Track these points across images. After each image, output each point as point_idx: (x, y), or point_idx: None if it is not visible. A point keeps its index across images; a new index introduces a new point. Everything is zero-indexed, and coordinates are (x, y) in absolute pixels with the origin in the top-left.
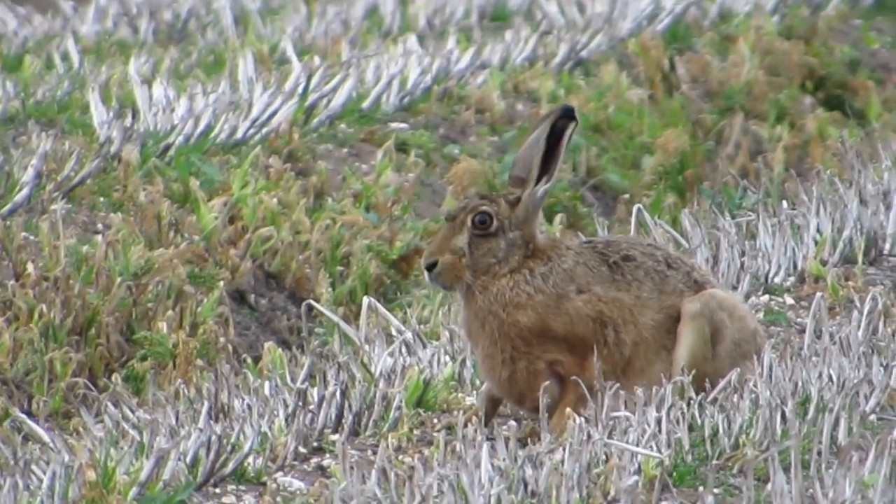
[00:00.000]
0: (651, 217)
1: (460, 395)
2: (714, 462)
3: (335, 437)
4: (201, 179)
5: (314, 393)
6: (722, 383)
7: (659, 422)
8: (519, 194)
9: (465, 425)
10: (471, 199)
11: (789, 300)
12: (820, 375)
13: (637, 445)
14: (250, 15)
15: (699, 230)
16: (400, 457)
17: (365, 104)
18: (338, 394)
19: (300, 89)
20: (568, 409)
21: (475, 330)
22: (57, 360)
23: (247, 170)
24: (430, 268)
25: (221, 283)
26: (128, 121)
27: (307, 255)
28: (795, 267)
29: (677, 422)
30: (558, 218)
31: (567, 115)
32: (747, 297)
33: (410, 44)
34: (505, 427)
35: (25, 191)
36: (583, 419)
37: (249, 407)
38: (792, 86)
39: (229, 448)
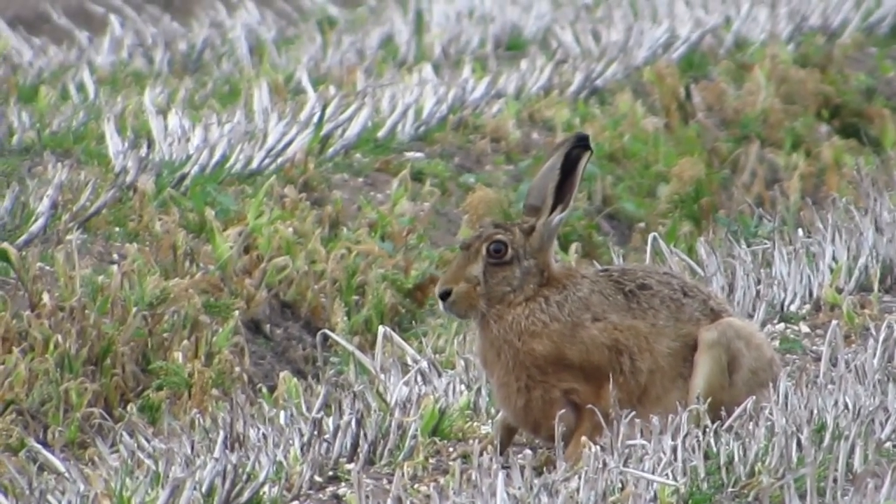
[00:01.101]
0: (667, 245)
1: (476, 423)
2: (730, 490)
3: (350, 466)
4: (216, 209)
5: (329, 422)
6: (738, 411)
7: (674, 450)
8: (534, 223)
9: (481, 454)
10: (485, 228)
11: (805, 328)
12: (836, 403)
13: (653, 473)
14: (265, 45)
15: (715, 258)
16: (415, 485)
17: (380, 133)
18: (353, 423)
19: (315, 119)
20: (583, 438)
21: (490, 359)
22: (72, 389)
23: (262, 199)
24: (445, 296)
25: (237, 312)
26: (143, 151)
27: (322, 285)
28: (811, 295)
29: (693, 450)
30: (574, 247)
31: (581, 143)
32: (763, 325)
33: (426, 73)
34: (520, 455)
35: (41, 221)
36: (598, 447)
37: (265, 436)
38: (807, 114)
39: (245, 477)
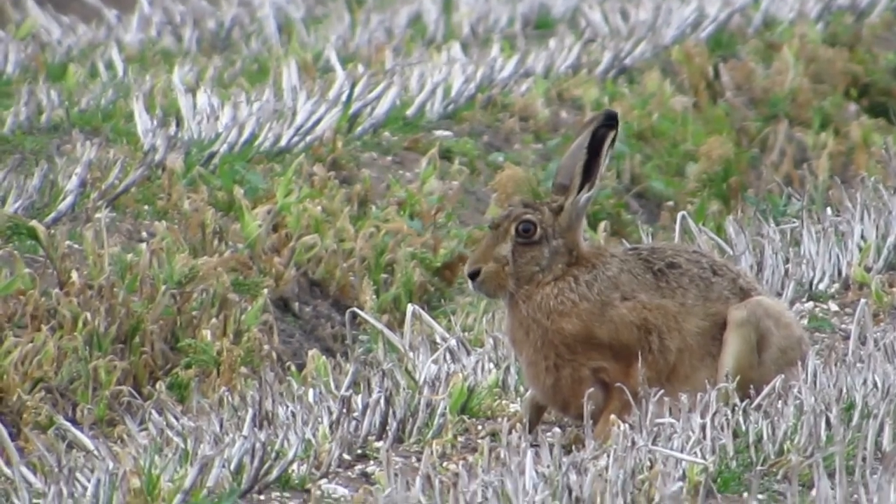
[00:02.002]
0: (695, 224)
1: (504, 402)
2: (758, 468)
3: (379, 444)
4: (245, 187)
5: (358, 400)
6: (766, 390)
7: (703, 428)
8: (562, 202)
9: (510, 432)
10: (514, 208)
11: (833, 307)
12: (864, 382)
13: (681, 452)
14: (294, 23)
15: (743, 237)
16: (444, 464)
17: (409, 112)
18: (382, 401)
19: (344, 97)
20: (612, 416)
21: (519, 337)
22: (101, 368)
23: (291, 178)
24: (474, 276)
25: (265, 290)
26: (172, 129)
27: (351, 263)
28: (840, 273)
29: (722, 428)
30: (602, 225)
31: (609, 121)
32: (791, 303)
33: (454, 52)
34: (549, 434)
35: (70, 199)
36: (627, 426)
37: (293, 414)
38: (836, 93)
39: (273, 455)
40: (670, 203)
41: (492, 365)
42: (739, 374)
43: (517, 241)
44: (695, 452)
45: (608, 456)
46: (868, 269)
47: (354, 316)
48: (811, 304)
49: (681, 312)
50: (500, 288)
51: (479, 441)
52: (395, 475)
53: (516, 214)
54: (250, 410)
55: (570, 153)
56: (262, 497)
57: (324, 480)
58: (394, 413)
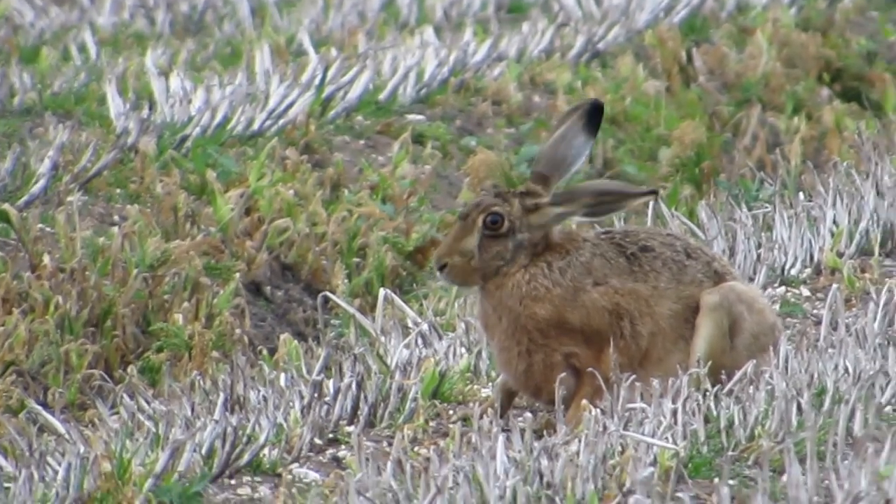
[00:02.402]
0: (668, 209)
1: (476, 386)
2: (730, 453)
3: (351, 428)
4: (218, 171)
5: (330, 384)
6: (738, 375)
7: (675, 413)
8: (538, 201)
9: (481, 417)
10: (485, 197)
11: (805, 292)
12: (836, 367)
13: (653, 437)
14: (267, 6)
15: (716, 222)
16: (415, 448)
17: (381, 96)
18: (353, 385)
19: (317, 81)
20: (584, 401)
21: (492, 323)
22: (73, 351)
23: (263, 161)
24: (441, 269)
25: (237, 274)
26: (144, 112)
27: (323, 247)
28: (812, 259)
29: (693, 413)
30: None
31: (595, 110)
32: (764, 288)
33: (427, 35)
34: (520, 419)
35: (42, 182)
36: (598, 411)
37: (265, 398)
38: (809, 78)
39: (245, 439)
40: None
41: (463, 349)
42: (711, 358)
43: (484, 234)
44: (666, 438)
45: (579, 441)
46: (840, 255)
47: (326, 300)
48: (783, 289)
49: (653, 296)
50: (468, 282)
51: (451, 426)
52: (367, 460)
53: (485, 206)
54: (222, 395)
55: (553, 141)
56: (233, 481)
57: (295, 465)
58: (365, 397)
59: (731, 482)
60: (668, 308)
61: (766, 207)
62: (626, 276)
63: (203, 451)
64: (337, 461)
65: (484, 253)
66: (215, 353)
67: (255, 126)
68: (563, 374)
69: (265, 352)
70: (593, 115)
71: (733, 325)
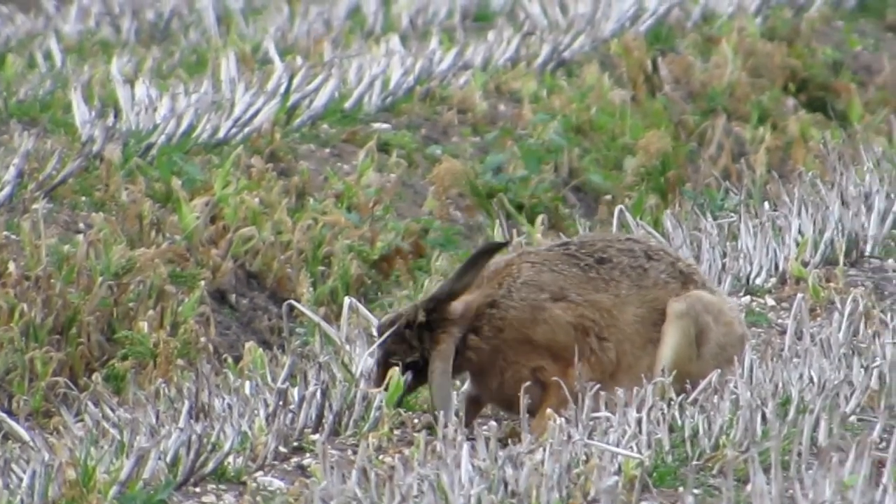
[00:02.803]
0: (633, 218)
1: None
2: (694, 463)
3: (315, 436)
4: (183, 179)
5: (295, 393)
6: (702, 384)
7: (639, 422)
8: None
9: (446, 426)
10: (391, 348)
11: (770, 301)
12: (801, 377)
13: (617, 446)
14: (233, 15)
15: (681, 231)
16: (380, 457)
17: (347, 104)
18: (318, 394)
19: (282, 89)
20: (549, 411)
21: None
22: (37, 359)
23: (229, 170)
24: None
25: (202, 282)
26: (110, 120)
27: (289, 255)
28: (777, 268)
29: (658, 422)
30: (540, 219)
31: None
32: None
33: (393, 44)
34: (485, 427)
35: (7, 190)
36: (563, 420)
37: (230, 406)
38: (774, 87)
39: (210, 447)
40: (608, 197)
41: None
42: (678, 366)
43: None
44: (631, 447)
45: (544, 450)
46: (805, 264)
47: (291, 308)
48: (748, 298)
49: (615, 305)
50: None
51: (416, 434)
52: (331, 468)
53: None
54: (186, 402)
55: (455, 275)
56: (197, 489)
57: (260, 473)
58: (330, 406)
59: (695, 491)
60: (633, 314)
61: (732, 217)
62: (584, 287)
63: (168, 459)
64: (302, 469)
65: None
66: (180, 361)
67: (221, 134)
68: (527, 384)
69: (230, 360)
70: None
71: (700, 335)
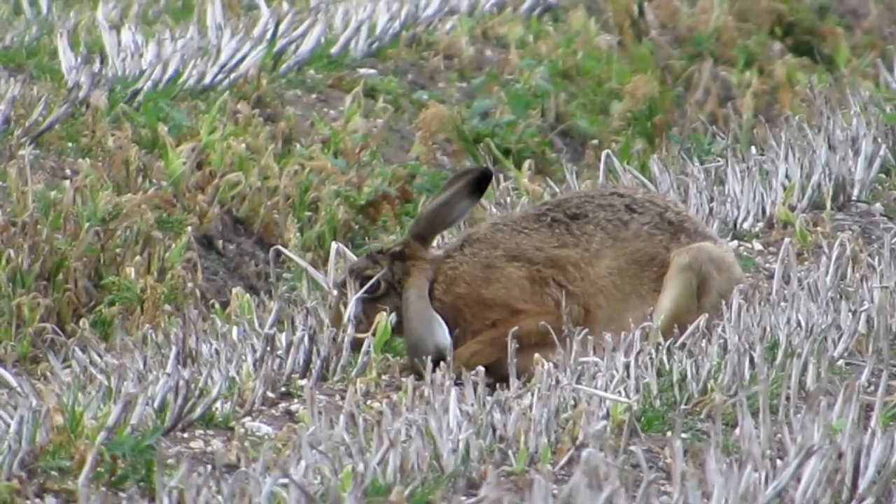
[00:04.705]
0: (620, 163)
1: None
2: (682, 407)
3: (303, 382)
4: (169, 125)
5: (282, 338)
6: (690, 328)
7: (627, 367)
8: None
9: (434, 370)
10: (358, 261)
11: (758, 246)
12: (788, 321)
13: (605, 391)
14: None
15: (668, 176)
16: (368, 402)
17: (333, 50)
18: (306, 339)
19: (269, 35)
20: (476, 347)
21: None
22: (24, 305)
23: (215, 115)
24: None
25: (189, 228)
26: (96, 66)
27: (275, 201)
28: (764, 213)
29: (645, 367)
30: (527, 164)
31: (484, 176)
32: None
33: None
34: (473, 372)
35: None
36: (551, 364)
37: (217, 352)
38: (761, 32)
39: (197, 393)
40: (595, 141)
41: None
42: (677, 318)
43: (364, 300)
44: (619, 391)
45: (532, 395)
46: (792, 208)
47: (278, 254)
48: (735, 242)
49: (584, 258)
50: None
51: (403, 379)
52: (319, 413)
53: (358, 271)
54: (174, 348)
55: (436, 205)
56: (185, 435)
57: (248, 418)
58: (318, 351)
59: (683, 436)
60: (607, 267)
61: (718, 161)
62: (546, 242)
63: (155, 405)
64: (289, 414)
65: (371, 316)
66: (167, 307)
67: (207, 80)
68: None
69: (217, 305)
70: (481, 182)
71: (702, 286)
